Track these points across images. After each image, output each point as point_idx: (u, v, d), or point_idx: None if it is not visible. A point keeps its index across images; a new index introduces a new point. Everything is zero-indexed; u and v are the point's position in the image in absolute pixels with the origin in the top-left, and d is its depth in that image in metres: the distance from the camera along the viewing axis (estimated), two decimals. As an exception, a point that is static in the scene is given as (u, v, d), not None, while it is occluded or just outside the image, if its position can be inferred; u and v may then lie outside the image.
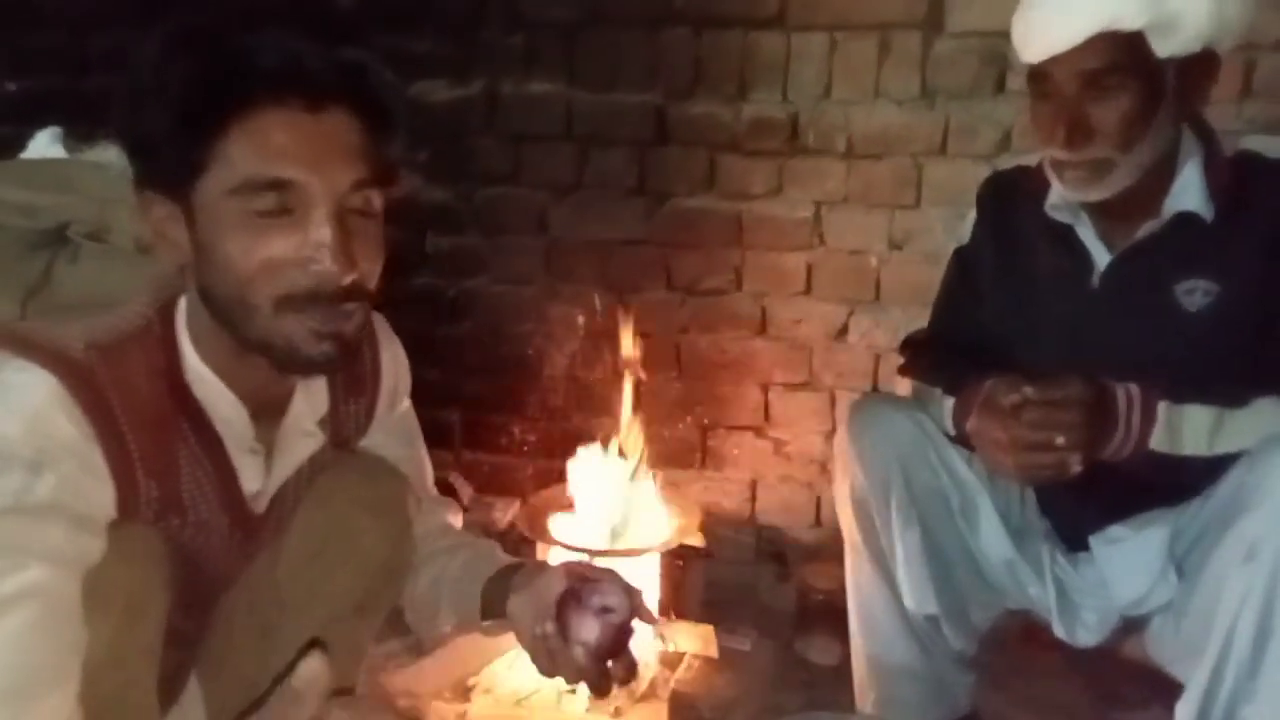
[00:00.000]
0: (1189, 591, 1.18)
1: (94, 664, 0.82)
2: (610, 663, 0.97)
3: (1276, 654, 1.04)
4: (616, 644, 0.96)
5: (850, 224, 1.97)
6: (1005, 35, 1.77)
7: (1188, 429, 1.13)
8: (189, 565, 0.96)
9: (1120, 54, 1.12)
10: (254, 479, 1.00)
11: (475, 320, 2.21)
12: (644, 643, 1.75)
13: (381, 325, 1.14)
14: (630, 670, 0.98)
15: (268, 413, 0.99)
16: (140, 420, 0.88)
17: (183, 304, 0.93)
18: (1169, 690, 1.19)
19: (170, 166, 0.84)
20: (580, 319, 2.12)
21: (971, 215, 1.42)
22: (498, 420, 2.22)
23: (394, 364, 1.15)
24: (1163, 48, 1.12)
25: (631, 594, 0.98)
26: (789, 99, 1.94)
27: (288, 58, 0.83)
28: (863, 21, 1.88)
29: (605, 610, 0.96)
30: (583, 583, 0.98)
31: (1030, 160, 1.36)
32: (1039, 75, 1.18)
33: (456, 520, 1.27)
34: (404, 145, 0.92)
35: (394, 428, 1.18)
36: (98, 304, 0.93)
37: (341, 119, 0.85)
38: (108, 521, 0.86)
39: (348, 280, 0.86)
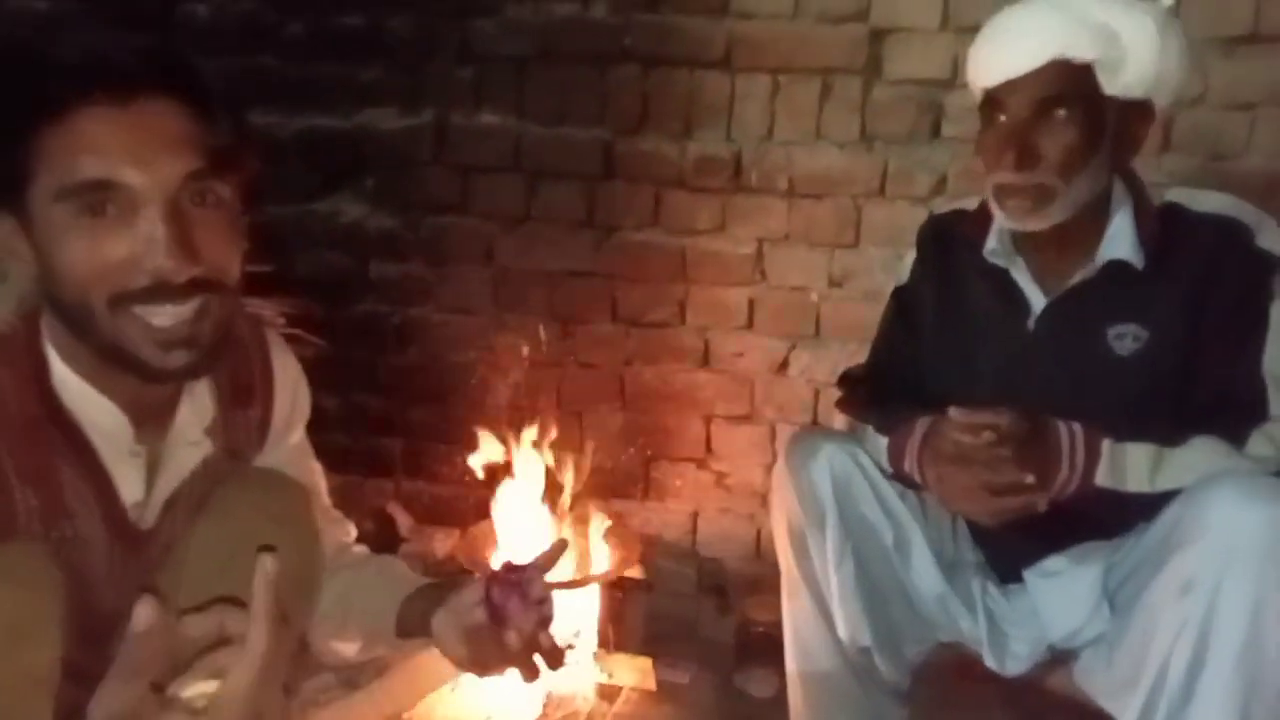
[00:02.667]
0: (1122, 625, 1.20)
1: None
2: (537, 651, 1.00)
3: (1209, 686, 1.06)
4: (542, 625, 1.00)
5: (792, 261, 2.01)
6: (940, 84, 1.89)
7: (1130, 465, 1.16)
8: (78, 589, 0.92)
9: (1071, 84, 1.17)
10: (134, 488, 0.96)
11: (419, 348, 2.20)
12: (581, 675, 1.74)
13: (275, 339, 1.12)
14: (557, 652, 1.01)
15: (151, 420, 0.96)
16: (9, 429, 0.86)
17: (45, 309, 0.91)
18: (1096, 721, 1.22)
19: None
20: (525, 349, 2.12)
21: (910, 255, 1.46)
22: (440, 450, 2.21)
23: (288, 376, 1.13)
24: (1110, 85, 1.18)
25: (543, 575, 1.01)
26: (733, 138, 1.98)
27: (88, 53, 0.81)
28: (805, 65, 1.93)
29: (527, 596, 0.99)
30: (499, 580, 1.00)
31: (968, 204, 1.40)
32: (992, 101, 1.22)
33: (350, 537, 1.26)
34: (238, 128, 0.89)
35: (291, 450, 1.16)
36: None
37: (159, 109, 0.83)
38: None
39: (188, 275, 0.83)
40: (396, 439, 2.23)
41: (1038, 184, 1.20)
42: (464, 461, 2.16)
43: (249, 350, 1.08)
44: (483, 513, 2.07)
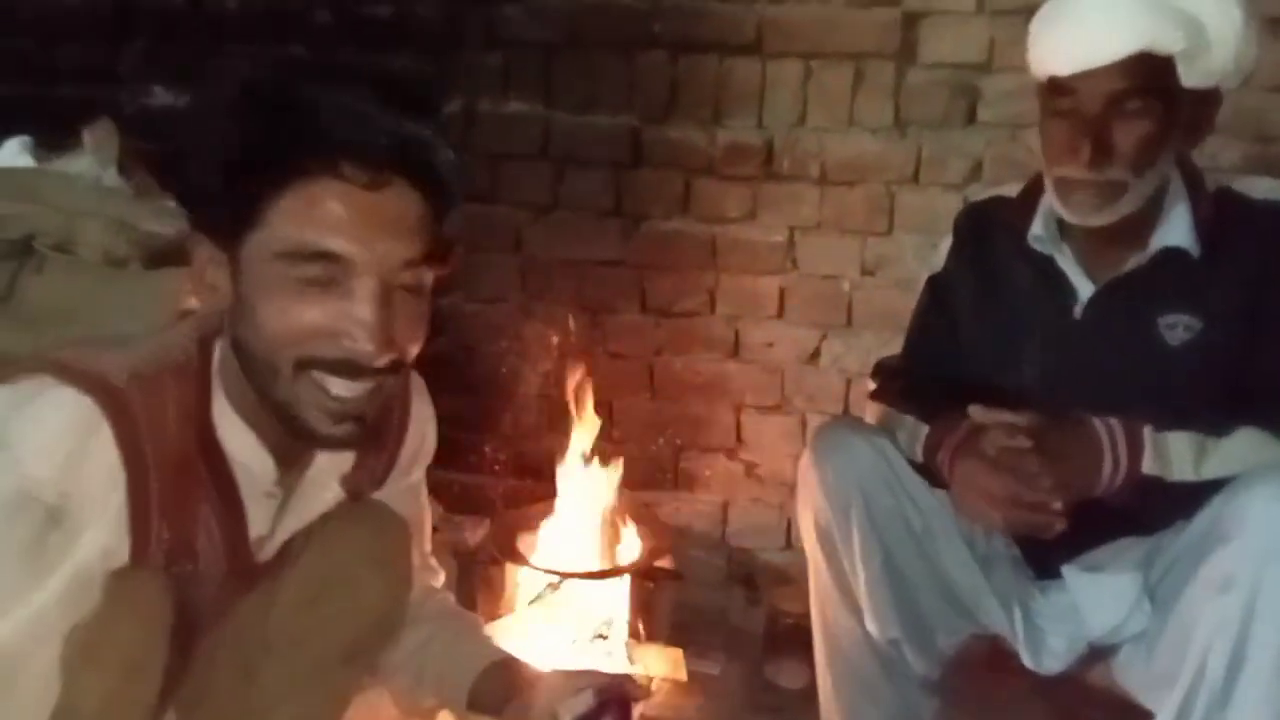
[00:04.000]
0: (1161, 621, 1.19)
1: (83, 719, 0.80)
2: None
3: (1248, 685, 1.05)
4: None
5: (823, 249, 1.98)
6: (976, 68, 1.85)
7: (1174, 454, 1.14)
8: (183, 607, 0.93)
9: (1151, 77, 1.12)
10: (263, 523, 0.98)
11: (448, 338, 2.20)
12: (612, 665, 1.74)
13: (417, 384, 1.12)
14: None
15: (290, 460, 0.97)
16: (165, 460, 0.86)
17: (220, 342, 0.91)
18: (1133, 717, 1.20)
19: (222, 218, 0.83)
20: (554, 339, 2.12)
21: (945, 243, 1.44)
22: (469, 439, 2.21)
23: (422, 425, 1.13)
24: (1188, 76, 1.13)
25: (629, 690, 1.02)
26: (764, 125, 1.96)
27: (353, 130, 0.80)
28: (837, 50, 1.90)
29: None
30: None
31: (1007, 190, 1.37)
32: (1060, 89, 1.16)
33: (439, 582, 1.26)
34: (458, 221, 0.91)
35: (406, 488, 1.16)
36: (62, 317, 0.92)
37: (400, 194, 0.83)
38: (114, 569, 0.84)
39: (384, 361, 0.85)
40: (426, 428, 2.24)
41: (1109, 180, 1.15)
42: (493, 450, 2.17)
43: (393, 400, 1.06)
44: (512, 502, 2.08)
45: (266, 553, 1.01)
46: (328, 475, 1.02)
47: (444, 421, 2.17)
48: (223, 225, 0.83)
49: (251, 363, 0.87)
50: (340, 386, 0.85)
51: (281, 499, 0.98)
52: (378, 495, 1.11)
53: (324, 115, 0.80)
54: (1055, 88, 1.17)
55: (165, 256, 1.32)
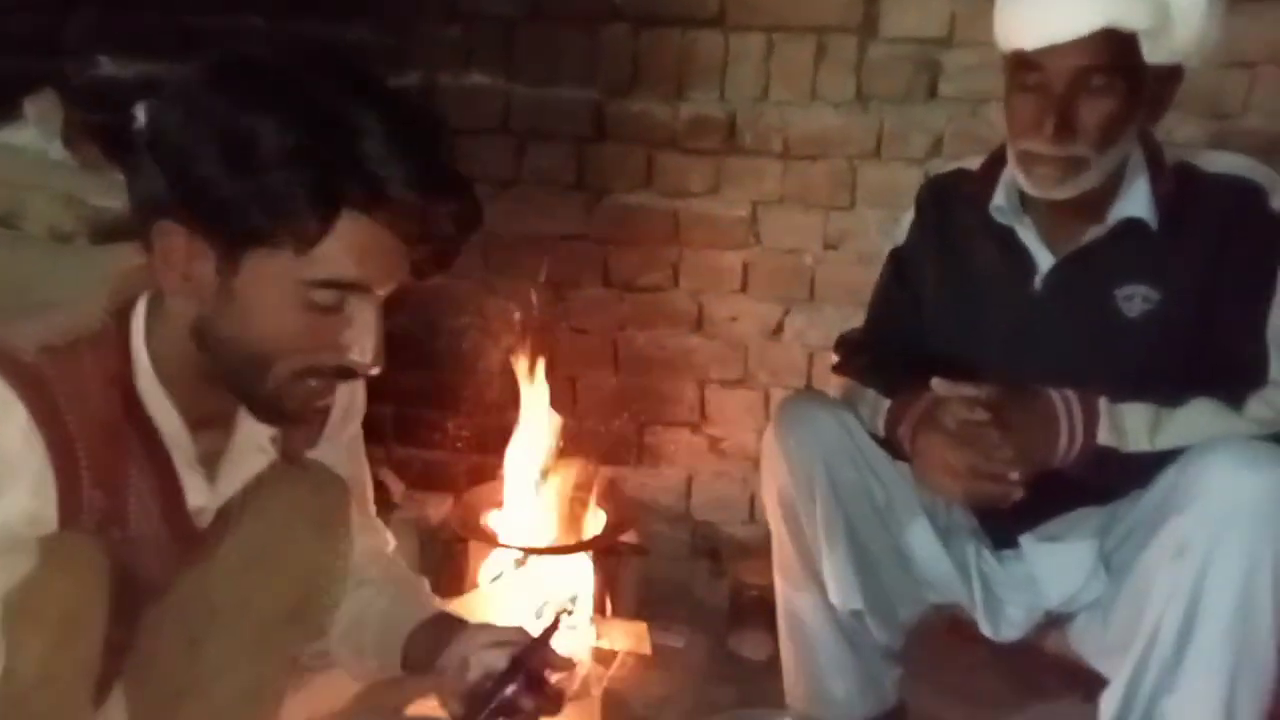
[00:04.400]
0: (1117, 588, 1.21)
1: (24, 681, 0.79)
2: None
3: (1198, 649, 1.08)
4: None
5: (786, 224, 1.98)
6: (937, 42, 1.86)
7: (1129, 425, 1.16)
8: (123, 575, 0.92)
9: (1116, 53, 1.13)
10: (199, 494, 0.97)
11: (409, 313, 2.17)
12: (577, 640, 1.75)
13: None
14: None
15: (212, 427, 0.97)
16: (90, 428, 0.86)
17: (140, 308, 0.90)
18: (1089, 682, 1.23)
19: (235, 228, 0.82)
20: (517, 314, 2.10)
21: (907, 217, 1.44)
22: (431, 416, 2.19)
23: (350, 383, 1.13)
24: (1153, 53, 1.14)
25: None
26: (726, 99, 1.95)
27: (402, 168, 0.81)
28: (799, 24, 1.89)
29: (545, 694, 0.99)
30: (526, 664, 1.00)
31: (969, 163, 1.37)
32: (1027, 64, 1.16)
33: (389, 546, 1.25)
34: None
35: (341, 446, 1.15)
36: (8, 293, 0.90)
37: (410, 224, 0.86)
38: (43, 535, 0.83)
39: (374, 372, 0.90)
40: (387, 405, 2.21)
41: (1072, 155, 1.16)
42: (456, 427, 2.16)
43: None
44: (475, 479, 2.07)
45: (205, 519, 1.01)
46: (261, 435, 1.01)
47: (406, 398, 2.19)
48: (235, 235, 0.82)
49: (231, 357, 0.87)
50: (332, 388, 0.91)
51: (212, 463, 0.98)
52: (314, 455, 1.11)
53: (372, 148, 0.80)
54: (1021, 62, 1.17)
55: (114, 232, 1.29)
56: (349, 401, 1.13)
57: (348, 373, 0.90)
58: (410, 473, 2.20)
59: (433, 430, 2.20)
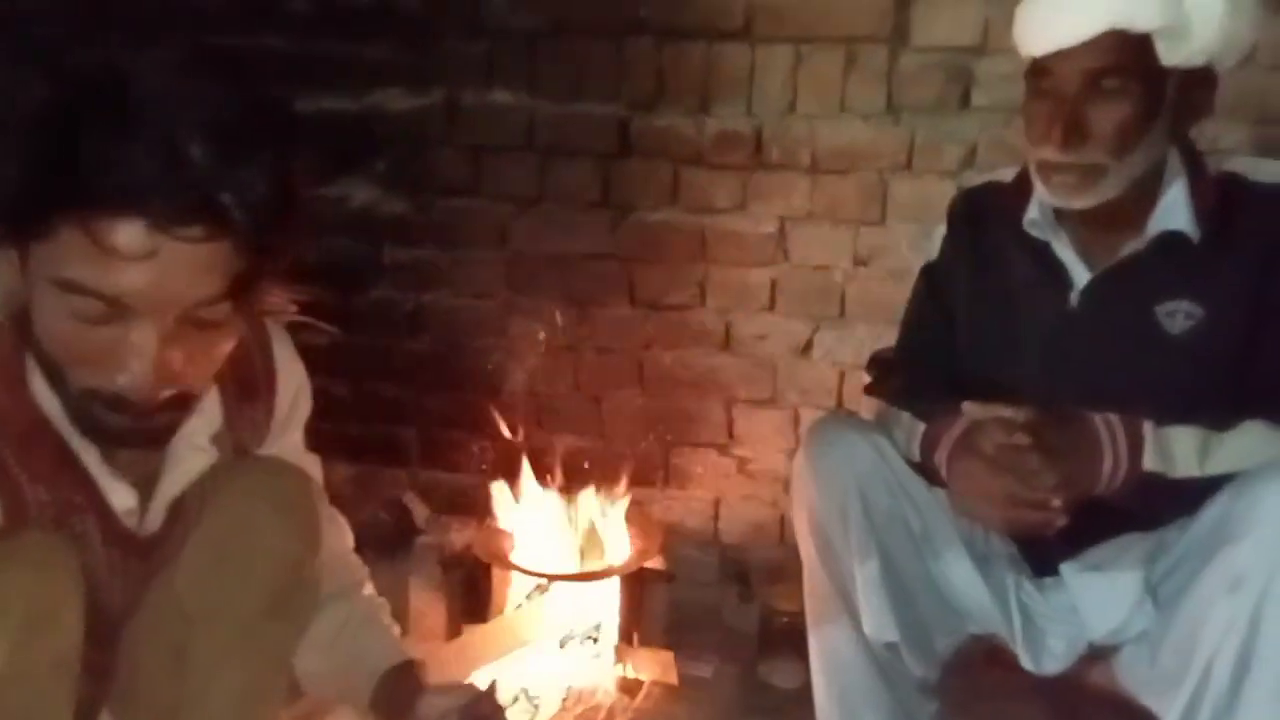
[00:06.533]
0: (1166, 620, 1.16)
1: None
2: None
3: (1255, 687, 1.02)
4: None
5: (815, 240, 1.94)
6: (970, 50, 1.81)
7: (1177, 449, 1.11)
8: (89, 587, 0.91)
9: (1127, 56, 1.09)
10: (123, 496, 0.95)
11: (433, 334, 2.16)
12: (602, 669, 1.71)
13: (279, 336, 1.10)
14: None
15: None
16: (7, 429, 0.86)
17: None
18: (1135, 717, 1.17)
19: (9, 220, 0.80)
20: (541, 334, 2.08)
21: (939, 231, 1.40)
22: (456, 437, 2.17)
23: (290, 373, 1.11)
24: (1169, 56, 1.10)
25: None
26: (753, 112, 1.92)
27: (165, 173, 0.75)
28: (828, 35, 1.85)
29: None
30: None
31: (1002, 176, 1.34)
32: (1039, 70, 1.15)
33: (350, 543, 1.24)
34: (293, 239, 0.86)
35: (288, 448, 1.13)
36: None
37: (195, 240, 0.78)
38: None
39: (158, 397, 0.83)
40: (411, 427, 2.20)
41: (1087, 163, 1.13)
42: (481, 450, 2.13)
43: (252, 349, 1.06)
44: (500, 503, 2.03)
45: (151, 524, 0.99)
46: (199, 435, 0.99)
47: (430, 420, 2.17)
48: (11, 228, 0.80)
49: (47, 361, 0.85)
50: (115, 419, 0.84)
51: (149, 466, 0.96)
52: (267, 449, 1.10)
53: (137, 147, 0.75)
54: (1035, 69, 1.16)
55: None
56: (294, 393, 1.12)
57: (143, 405, 0.83)
58: (435, 497, 2.18)
59: (457, 453, 2.17)
